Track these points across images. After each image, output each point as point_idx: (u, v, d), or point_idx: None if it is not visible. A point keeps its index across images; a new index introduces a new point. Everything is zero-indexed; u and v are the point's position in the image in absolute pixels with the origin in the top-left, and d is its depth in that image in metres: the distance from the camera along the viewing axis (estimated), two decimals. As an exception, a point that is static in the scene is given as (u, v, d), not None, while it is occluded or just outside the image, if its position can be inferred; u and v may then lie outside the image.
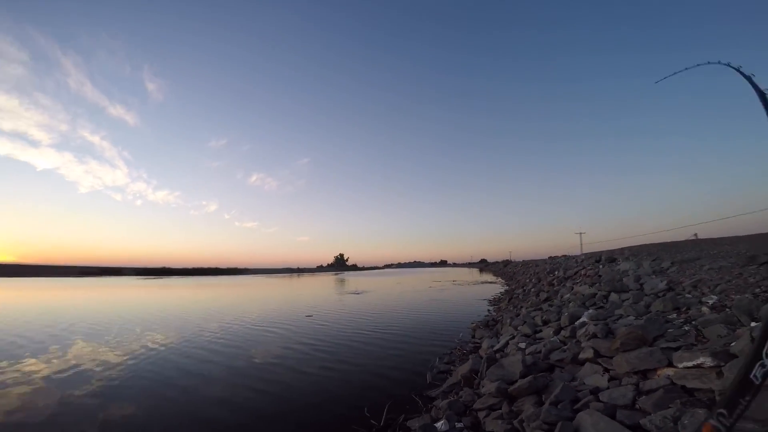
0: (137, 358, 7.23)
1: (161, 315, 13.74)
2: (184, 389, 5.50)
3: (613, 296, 7.32)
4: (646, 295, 6.56)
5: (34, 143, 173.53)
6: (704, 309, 4.48)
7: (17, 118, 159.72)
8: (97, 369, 6.47)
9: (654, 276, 8.16)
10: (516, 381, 4.12)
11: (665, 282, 6.87)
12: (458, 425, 3.67)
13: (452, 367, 6.21)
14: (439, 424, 3.69)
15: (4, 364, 6.72)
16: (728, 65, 1.92)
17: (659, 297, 5.97)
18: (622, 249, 22.91)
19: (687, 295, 5.63)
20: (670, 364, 3.05)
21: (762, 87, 1.62)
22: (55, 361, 6.88)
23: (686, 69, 2.46)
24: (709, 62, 2.08)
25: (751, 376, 1.16)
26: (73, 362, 6.78)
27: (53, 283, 35.48)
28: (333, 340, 8.87)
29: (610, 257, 15.62)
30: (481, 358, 5.57)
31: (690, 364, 2.82)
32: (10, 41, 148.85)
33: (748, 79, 1.73)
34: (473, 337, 8.70)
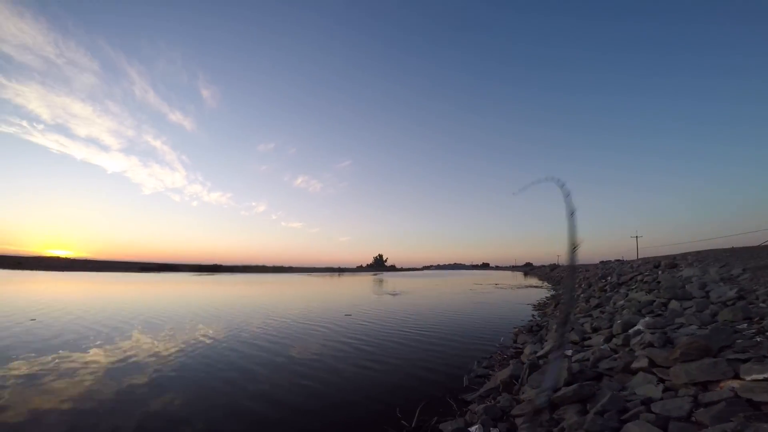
0: (187, 351, 7.74)
1: (211, 310, 14.68)
2: (227, 381, 5.78)
3: (674, 304, 6.72)
4: (713, 303, 5.95)
5: (105, 148, 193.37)
6: (781, 319, 3.99)
7: (91, 124, 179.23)
8: (150, 359, 6.98)
9: (722, 283, 7.38)
10: (560, 388, 3.92)
11: (735, 290, 6.18)
12: (493, 430, 3.56)
13: (491, 372, 6.04)
14: (473, 429, 3.61)
15: (66, 352, 7.41)
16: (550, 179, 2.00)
17: (728, 306, 5.40)
18: (685, 254, 20.91)
19: (761, 305, 5.04)
20: (737, 377, 2.75)
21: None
22: (113, 351, 7.49)
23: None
24: (546, 179, 2.07)
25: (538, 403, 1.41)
26: (130, 353, 7.35)
27: (118, 278, 39.16)
28: (370, 339, 8.96)
29: (670, 263, 14.32)
30: (523, 363, 5.37)
31: (760, 377, 2.53)
32: (83, 52, 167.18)
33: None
34: (515, 342, 8.38)
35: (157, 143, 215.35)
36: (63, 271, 55.71)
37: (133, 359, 6.92)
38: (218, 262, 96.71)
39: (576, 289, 18.00)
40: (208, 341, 8.60)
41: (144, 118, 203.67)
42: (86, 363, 6.60)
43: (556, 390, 3.98)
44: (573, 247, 1.72)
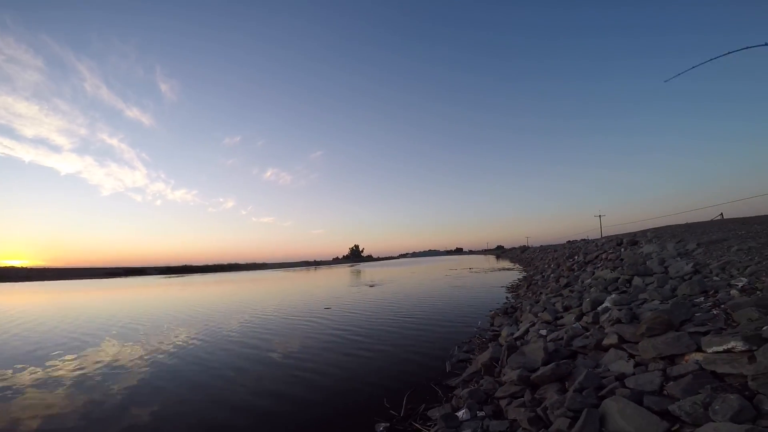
0: (166, 353, 7.55)
1: (186, 312, 14.20)
2: (211, 379, 5.74)
3: (637, 280, 7.15)
4: (672, 278, 6.38)
5: (56, 148, 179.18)
6: (734, 292, 4.33)
7: (38, 124, 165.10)
8: (130, 365, 6.79)
9: (679, 258, 7.93)
10: (538, 368, 4.10)
11: (691, 264, 6.66)
12: (480, 414, 3.68)
13: (471, 356, 6.22)
14: (460, 413, 3.71)
15: (47, 362, 7.09)
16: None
17: (685, 280, 5.81)
18: (645, 231, 22.29)
19: (715, 278, 5.45)
20: (699, 349, 2.97)
21: None
22: (93, 359, 7.24)
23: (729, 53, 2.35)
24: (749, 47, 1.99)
25: None
26: (111, 360, 7.11)
27: (81, 286, 37.00)
28: (351, 331, 9.00)
29: (632, 240, 15.22)
30: (501, 346, 5.56)
31: (720, 348, 2.74)
32: (24, 48, 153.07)
33: None
34: (492, 325, 8.67)
35: (114, 141, 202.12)
36: (22, 281, 51.98)
37: (115, 366, 6.70)
38: (188, 263, 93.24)
39: (546, 269, 18.81)
40: (186, 343, 8.37)
41: (97, 115, 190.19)
42: (65, 370, 6.36)
43: (534, 370, 4.16)
44: None
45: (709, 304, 4.18)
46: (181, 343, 8.49)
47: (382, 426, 3.95)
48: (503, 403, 3.82)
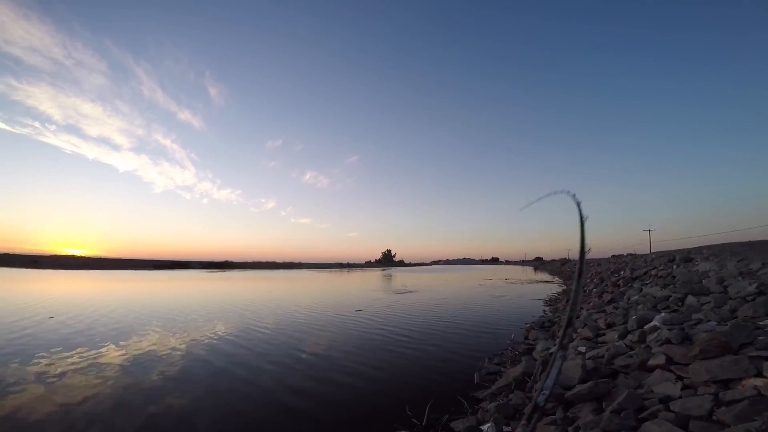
0: (202, 346, 7.94)
1: (224, 306, 14.88)
2: (234, 379, 5.86)
3: (691, 299, 6.58)
4: (731, 298, 5.80)
5: (116, 147, 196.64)
6: (805, 316, 3.86)
7: (102, 124, 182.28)
8: (167, 354, 7.17)
9: (741, 278, 7.19)
10: (574, 386, 3.87)
11: (755, 285, 6.01)
12: (506, 429, 3.53)
13: (502, 369, 6.00)
14: (485, 427, 3.58)
15: (86, 349, 7.70)
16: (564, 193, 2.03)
17: (748, 301, 5.26)
18: (700, 248, 20.47)
19: (783, 300, 4.88)
20: (759, 374, 2.67)
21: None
22: (131, 348, 7.66)
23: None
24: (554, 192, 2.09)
25: (538, 401, 1.61)
26: (149, 349, 7.52)
27: (132, 276, 39.93)
28: (379, 335, 8.98)
29: (685, 257, 14.02)
30: (535, 360, 5.32)
31: (785, 375, 2.45)
32: (90, 53, 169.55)
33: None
34: (526, 338, 8.31)
35: (167, 142, 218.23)
36: (78, 269, 56.86)
37: (147, 356, 7.07)
38: (229, 259, 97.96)
39: (588, 284, 17.77)
40: (221, 336, 8.76)
41: (153, 117, 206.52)
42: (107, 359, 6.76)
43: (569, 387, 3.93)
44: (582, 253, 1.82)
45: (775, 327, 3.76)
46: (216, 335, 8.88)
47: (402, 434, 3.89)
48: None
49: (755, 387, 2.51)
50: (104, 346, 7.67)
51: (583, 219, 1.87)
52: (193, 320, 11.02)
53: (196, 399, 4.94)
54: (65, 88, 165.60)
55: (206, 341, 8.23)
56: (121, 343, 8.01)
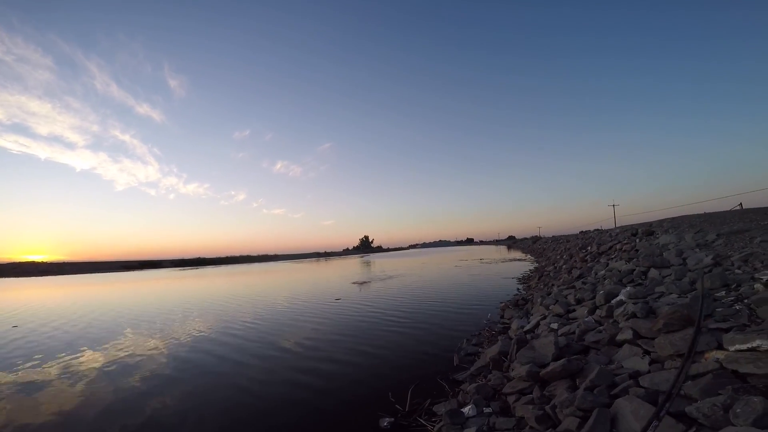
0: (182, 345, 7.70)
1: (200, 304, 14.45)
2: (218, 374, 5.79)
3: (653, 272, 6.90)
4: (690, 270, 6.13)
5: (70, 145, 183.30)
6: (757, 286, 4.10)
7: (52, 122, 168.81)
8: (147, 356, 6.93)
9: (698, 250, 7.62)
10: (548, 364, 3.97)
11: (711, 256, 6.38)
12: (486, 410, 3.59)
13: (480, 349, 6.12)
14: (466, 409, 3.62)
15: (64, 355, 7.28)
16: None
17: (705, 273, 5.56)
18: (661, 221, 21.64)
19: (737, 271, 5.20)
20: (720, 347, 2.80)
21: None
22: (107, 352, 7.39)
23: None
24: None
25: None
26: (125, 352, 7.24)
27: (98, 279, 38.06)
28: (359, 323, 8.99)
29: (647, 230, 14.76)
30: (511, 339, 5.44)
31: (743, 347, 2.57)
32: (33, 48, 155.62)
33: None
34: (502, 317, 8.54)
35: (126, 137, 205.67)
36: (41, 276, 53.54)
37: (130, 358, 6.83)
38: (201, 255, 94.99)
39: (558, 260, 18.48)
40: (199, 334, 8.53)
41: (109, 112, 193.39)
42: (84, 365, 6.49)
43: (544, 365, 4.04)
44: None
45: (732, 298, 3.98)
46: (195, 334, 8.63)
47: (386, 421, 3.90)
48: (511, 399, 3.72)
49: (717, 360, 2.63)
50: (79, 352, 7.36)
51: None
52: (170, 320, 10.63)
53: (178, 400, 4.80)
54: (7, 85, 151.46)
55: (185, 341, 7.97)
56: (98, 348, 7.68)
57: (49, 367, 6.47)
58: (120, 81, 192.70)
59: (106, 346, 7.80)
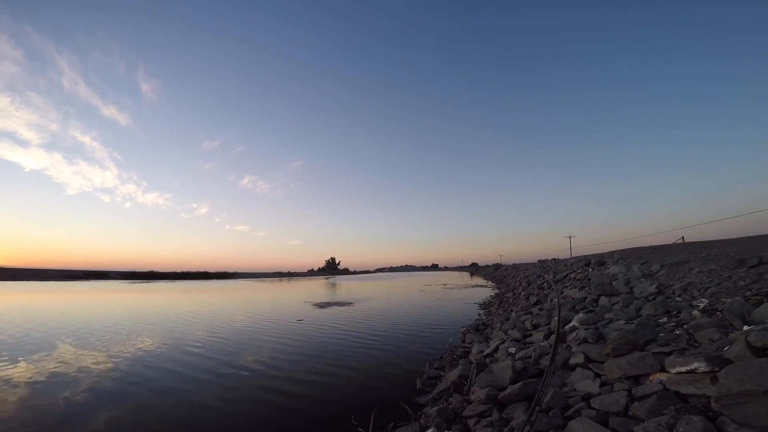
0: (122, 364, 7.01)
1: (148, 320, 13.36)
2: (163, 394, 5.32)
3: (603, 300, 7.29)
4: (636, 298, 6.54)
5: (23, 143, 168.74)
6: (695, 313, 4.44)
7: (7, 116, 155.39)
8: (84, 375, 6.27)
9: (644, 279, 8.17)
10: (506, 387, 4.01)
11: (655, 285, 6.86)
12: (446, 434, 3.53)
13: (442, 373, 6.09)
14: (427, 433, 3.54)
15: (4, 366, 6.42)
16: None
17: (649, 301, 5.95)
18: (612, 252, 23.12)
19: (677, 299, 5.61)
20: (663, 370, 2.96)
21: None
22: (44, 365, 6.70)
23: None
24: None
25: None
26: (62, 367, 6.58)
27: (38, 287, 34.50)
28: (322, 345, 8.69)
29: (599, 260, 15.71)
30: (471, 363, 5.46)
31: (683, 369, 2.74)
32: (5, 39, 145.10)
33: None
34: (463, 341, 8.59)
35: (86, 139, 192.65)
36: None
37: (66, 375, 6.21)
38: (155, 269, 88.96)
39: (516, 287, 19.08)
40: (146, 355, 7.83)
41: (71, 111, 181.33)
42: (14, 378, 5.88)
43: (502, 388, 4.07)
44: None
45: (673, 324, 4.26)
46: (138, 352, 7.92)
47: (346, 445, 3.71)
48: (471, 422, 3.69)
49: (661, 382, 2.78)
50: (7, 368, 6.49)
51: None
52: (111, 336, 9.72)
53: (129, 414, 4.44)
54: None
55: (125, 360, 7.26)
56: (29, 362, 6.91)
57: None
58: (89, 80, 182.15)
59: (42, 360, 7.06)
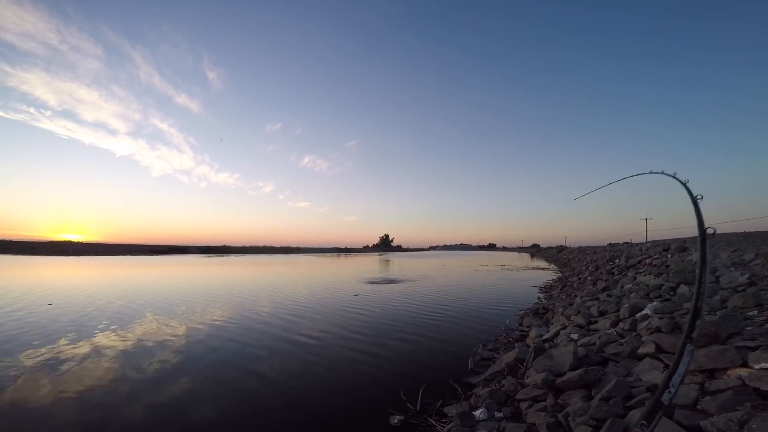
0: (201, 331, 8.08)
1: (223, 292, 15.01)
2: (234, 366, 5.97)
3: (683, 288, 6.66)
4: (723, 289, 5.89)
5: (112, 132, 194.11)
6: (794, 307, 3.93)
7: (98, 109, 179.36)
8: (168, 340, 7.31)
9: (733, 269, 7.28)
10: (565, 373, 3.96)
11: (747, 276, 6.10)
12: (498, 415, 3.62)
13: (496, 355, 6.11)
14: (477, 413, 3.66)
15: (85, 337, 7.87)
16: (663, 173, 2.04)
17: (738, 292, 5.34)
18: (695, 238, 20.62)
19: (773, 291, 4.96)
20: (745, 365, 2.73)
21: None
22: (129, 335, 7.77)
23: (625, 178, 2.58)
24: (651, 171, 2.19)
25: (662, 399, 1.54)
26: (147, 337, 7.56)
27: (129, 261, 40.06)
28: (376, 321, 9.10)
29: (680, 246, 14.14)
30: (528, 347, 5.42)
31: (769, 366, 2.51)
32: (85, 38, 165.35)
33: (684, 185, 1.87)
34: (521, 325, 8.44)
35: (164, 126, 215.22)
36: (76, 255, 56.67)
37: (155, 341, 7.18)
38: (227, 243, 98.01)
39: (582, 271, 17.94)
40: (220, 321, 8.87)
41: (150, 101, 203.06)
42: (105, 347, 6.82)
43: (560, 374, 4.02)
44: (703, 237, 1.69)
45: (763, 318, 3.83)
46: (216, 322, 8.97)
47: (396, 418, 3.96)
48: (523, 405, 3.73)
49: (740, 377, 2.58)
50: (105, 333, 7.77)
51: (696, 199, 1.72)
52: (190, 307, 11.09)
53: (198, 387, 5.01)
54: (60, 73, 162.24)
55: (206, 328, 8.31)
56: (122, 330, 8.08)
57: (74, 346, 6.84)
58: (162, 71, 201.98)
59: (129, 329, 8.18)
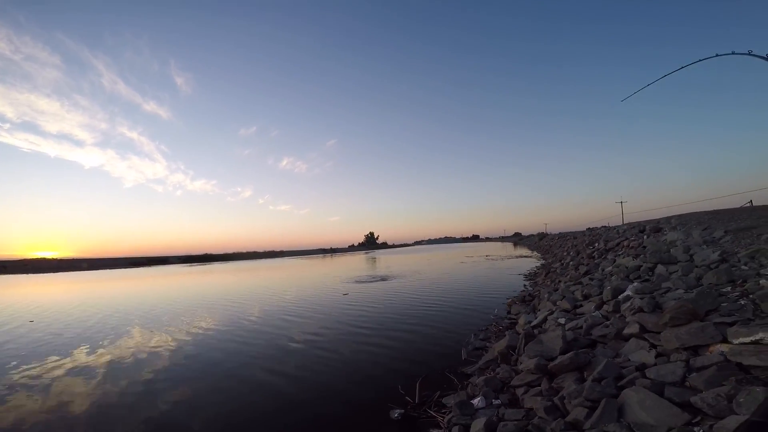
0: (190, 340, 7.92)
1: (207, 300, 14.71)
2: (229, 367, 5.96)
3: (660, 268, 6.96)
4: (697, 266, 6.18)
5: (79, 143, 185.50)
6: (763, 282, 4.16)
7: (61, 120, 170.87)
8: (156, 351, 7.14)
9: (705, 246, 7.64)
10: (556, 357, 4.08)
11: (718, 253, 6.42)
12: (495, 402, 3.70)
13: (488, 344, 6.23)
14: (475, 401, 3.74)
15: (70, 352, 7.55)
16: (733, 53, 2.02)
17: (711, 269, 5.61)
18: (668, 218, 21.49)
19: (743, 267, 5.24)
20: (725, 340, 2.89)
21: None
22: (118, 349, 7.57)
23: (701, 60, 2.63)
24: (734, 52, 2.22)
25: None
26: (135, 349, 7.37)
27: (108, 275, 38.67)
28: (367, 318, 9.12)
29: (655, 227, 14.73)
30: (518, 334, 5.55)
31: (747, 340, 2.66)
32: (41, 47, 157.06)
33: None
34: (509, 313, 8.63)
35: (134, 134, 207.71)
36: (52, 272, 54.27)
37: (143, 353, 7.00)
38: (208, 251, 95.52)
39: (565, 257, 18.48)
40: (208, 329, 8.73)
41: (116, 110, 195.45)
42: (100, 359, 6.67)
43: (552, 358, 4.14)
44: None
45: (737, 294, 4.04)
46: (203, 330, 8.82)
47: (396, 412, 4.01)
48: (519, 391, 3.83)
49: (722, 353, 2.73)
50: (91, 348, 7.53)
51: None
52: (178, 317, 10.85)
53: (194, 395, 4.93)
54: (16, 84, 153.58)
55: (193, 337, 8.16)
56: (109, 343, 7.85)
57: (62, 361, 6.64)
58: (127, 79, 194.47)
59: (117, 342, 7.98)
